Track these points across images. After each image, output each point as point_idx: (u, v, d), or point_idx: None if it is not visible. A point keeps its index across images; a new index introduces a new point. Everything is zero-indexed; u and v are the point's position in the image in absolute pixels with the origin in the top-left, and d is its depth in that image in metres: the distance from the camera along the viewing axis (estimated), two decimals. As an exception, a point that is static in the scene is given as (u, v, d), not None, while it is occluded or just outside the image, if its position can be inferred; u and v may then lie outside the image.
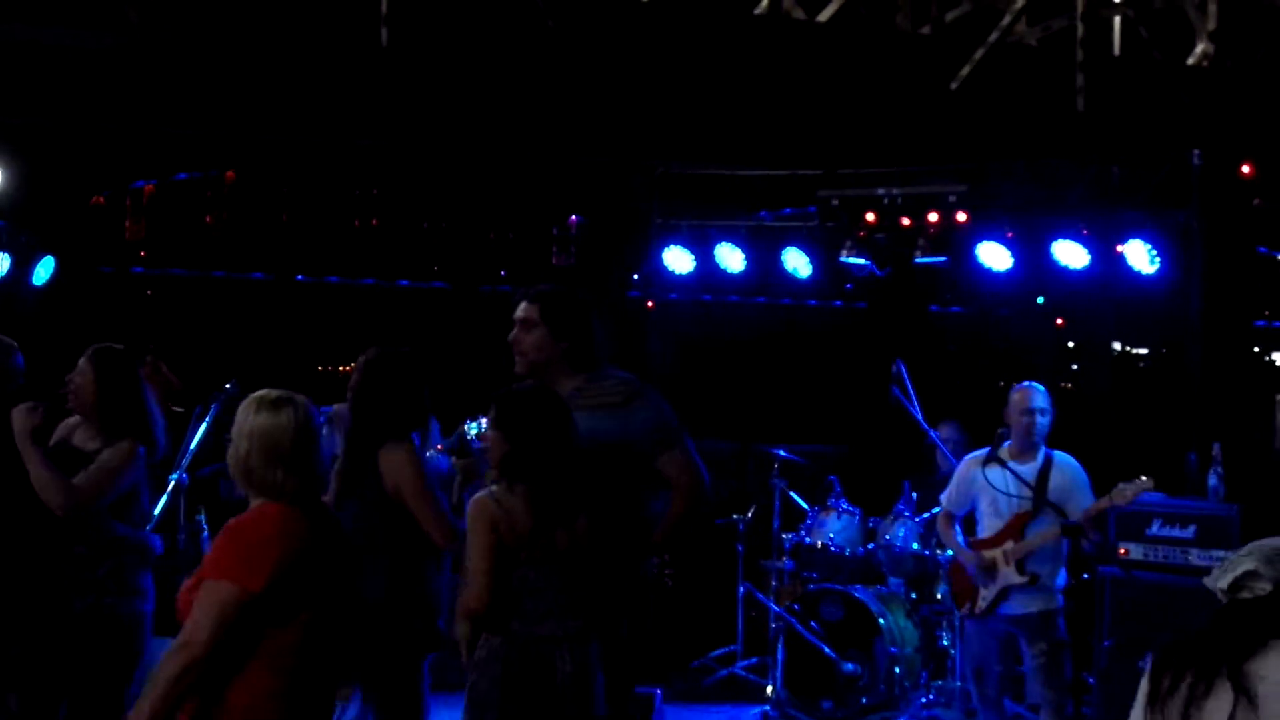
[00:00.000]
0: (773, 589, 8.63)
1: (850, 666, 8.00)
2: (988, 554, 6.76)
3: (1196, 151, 7.92)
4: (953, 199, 8.67)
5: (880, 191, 8.85)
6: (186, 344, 9.99)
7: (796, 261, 9.50)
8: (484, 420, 4.91)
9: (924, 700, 8.00)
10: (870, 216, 8.91)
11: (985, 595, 6.76)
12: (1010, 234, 8.92)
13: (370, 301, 11.34)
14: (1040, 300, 10.51)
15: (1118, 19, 8.22)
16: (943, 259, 8.96)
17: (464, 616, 4.53)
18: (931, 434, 8.43)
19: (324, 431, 4.75)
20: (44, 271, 8.90)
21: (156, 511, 5.96)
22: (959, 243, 8.88)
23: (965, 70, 7.87)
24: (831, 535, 8.44)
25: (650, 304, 10.09)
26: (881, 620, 7.98)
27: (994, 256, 8.94)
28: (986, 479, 6.79)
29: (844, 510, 8.51)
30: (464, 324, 10.37)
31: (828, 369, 11.10)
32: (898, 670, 7.95)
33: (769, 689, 8.27)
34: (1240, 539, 6.48)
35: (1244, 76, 7.91)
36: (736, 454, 9.84)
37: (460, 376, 7.52)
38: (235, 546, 3.64)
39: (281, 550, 3.62)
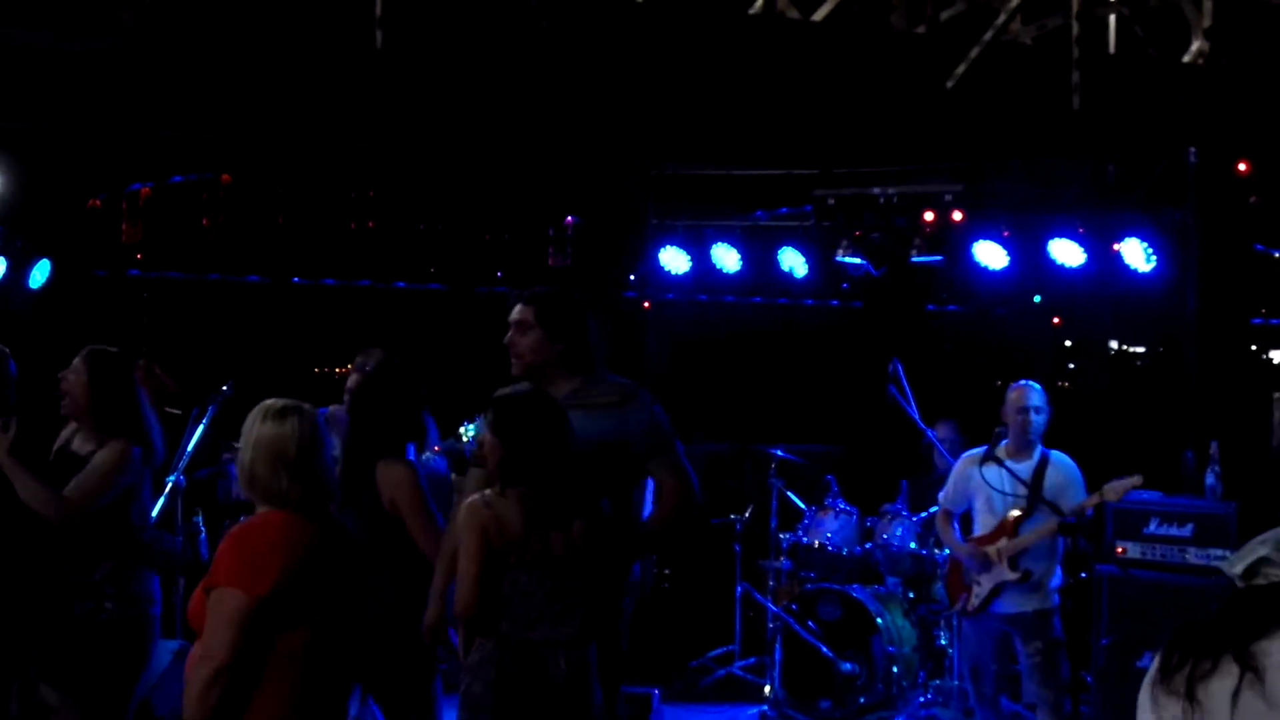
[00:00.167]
0: (770, 589, 8.63)
1: (848, 666, 8.00)
2: (982, 550, 6.78)
3: (1193, 149, 7.92)
4: (949, 198, 8.67)
5: (876, 191, 8.84)
6: (183, 347, 10.01)
7: (793, 261, 9.50)
8: (481, 422, 4.92)
9: (922, 699, 8.01)
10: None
11: (978, 593, 6.77)
12: (1006, 233, 8.92)
13: (367, 303, 11.34)
14: (1037, 299, 10.52)
15: (1113, 17, 8.22)
16: (939, 258, 8.96)
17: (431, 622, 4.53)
18: (928, 433, 8.43)
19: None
20: (40, 274, 8.89)
21: (154, 513, 5.97)
22: (955, 242, 8.88)
23: (960, 69, 7.87)
24: (829, 535, 8.44)
25: (646, 304, 10.09)
26: (879, 620, 7.98)
27: (990, 255, 8.94)
28: (983, 477, 6.82)
29: (841, 510, 8.52)
30: (461, 325, 10.38)
31: (824, 369, 11.10)
32: (895, 670, 7.95)
33: (767, 689, 8.27)
34: (1238, 537, 6.50)
35: (1240, 74, 7.91)
36: (733, 454, 9.85)
37: (457, 378, 7.53)
38: (240, 553, 3.66)
39: (285, 557, 3.64)
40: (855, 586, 8.21)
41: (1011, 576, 6.66)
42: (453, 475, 6.50)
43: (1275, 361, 12.19)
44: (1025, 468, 6.77)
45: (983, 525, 6.89)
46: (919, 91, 7.96)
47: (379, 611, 4.84)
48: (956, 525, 7.07)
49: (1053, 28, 8.21)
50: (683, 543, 8.85)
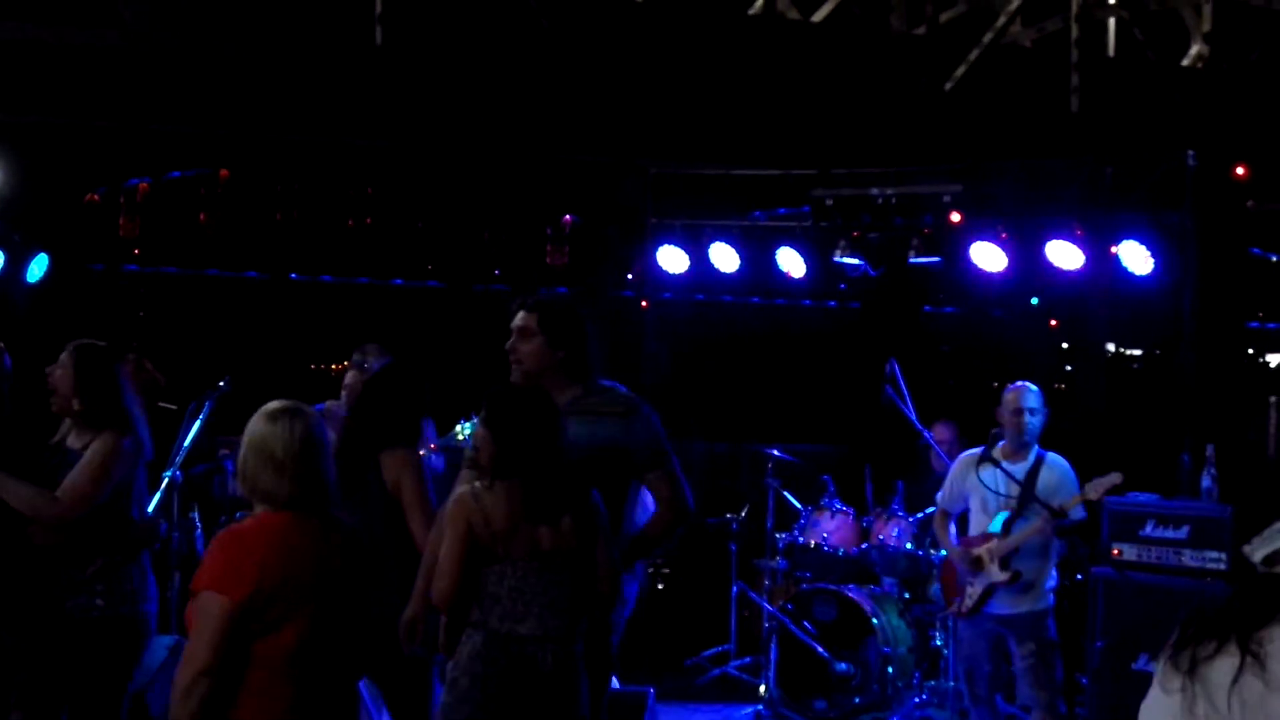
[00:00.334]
0: (766, 588, 8.63)
1: (843, 666, 8.00)
2: (973, 550, 6.79)
3: (1191, 153, 7.93)
4: (947, 199, 8.67)
5: (874, 192, 8.84)
6: (180, 342, 10.02)
7: (790, 261, 9.49)
8: (477, 421, 4.93)
9: (917, 700, 8.01)
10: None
11: (971, 593, 6.78)
12: (1004, 234, 8.91)
13: (364, 300, 11.35)
14: (1034, 301, 10.53)
15: (1112, 20, 8.23)
16: (937, 259, 8.96)
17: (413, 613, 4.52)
18: (925, 434, 8.44)
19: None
20: (37, 269, 8.89)
21: (150, 509, 5.96)
22: (953, 243, 8.88)
23: (960, 71, 7.88)
24: (825, 535, 8.45)
25: (644, 304, 10.09)
26: (875, 620, 7.98)
27: (988, 257, 8.93)
28: (979, 478, 6.84)
29: (837, 510, 8.52)
30: (458, 323, 10.38)
31: (822, 369, 11.11)
32: (891, 670, 7.95)
33: (762, 688, 8.28)
34: (1233, 540, 6.50)
35: (1238, 78, 7.92)
36: (730, 453, 9.86)
37: (454, 375, 7.53)
38: (222, 557, 3.69)
39: (263, 559, 3.65)
40: (851, 587, 8.21)
41: (1001, 577, 6.66)
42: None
43: (1272, 365, 12.21)
44: (1020, 469, 6.78)
45: (976, 526, 6.90)
46: (918, 93, 7.97)
47: (387, 599, 4.86)
48: (953, 526, 7.08)
49: (1052, 30, 8.22)
50: (664, 553, 8.89)
